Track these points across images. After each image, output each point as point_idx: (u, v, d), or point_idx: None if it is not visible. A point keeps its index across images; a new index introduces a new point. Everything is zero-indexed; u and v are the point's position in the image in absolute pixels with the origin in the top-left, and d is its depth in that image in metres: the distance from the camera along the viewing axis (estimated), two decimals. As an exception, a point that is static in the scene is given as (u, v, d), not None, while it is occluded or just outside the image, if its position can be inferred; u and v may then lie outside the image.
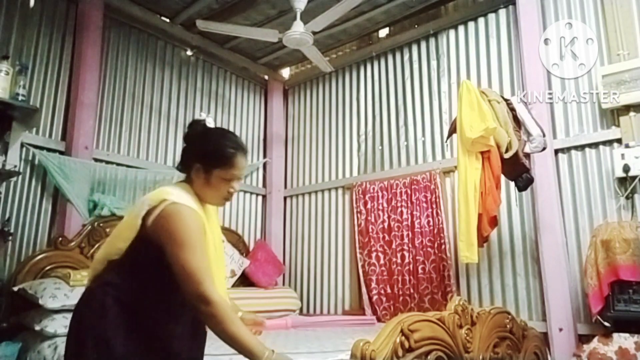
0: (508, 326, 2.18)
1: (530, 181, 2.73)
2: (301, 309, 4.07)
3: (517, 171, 2.68)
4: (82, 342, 1.31)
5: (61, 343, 2.30)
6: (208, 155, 1.51)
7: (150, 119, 3.80)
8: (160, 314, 1.38)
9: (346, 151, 4.26)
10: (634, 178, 2.68)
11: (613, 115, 2.88)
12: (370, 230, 3.76)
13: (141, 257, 1.36)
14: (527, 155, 2.77)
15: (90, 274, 1.47)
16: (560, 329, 2.78)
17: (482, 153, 2.64)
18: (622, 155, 2.72)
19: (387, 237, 3.67)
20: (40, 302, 2.44)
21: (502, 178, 2.80)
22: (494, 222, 2.69)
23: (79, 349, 1.31)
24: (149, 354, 1.33)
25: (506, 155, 2.61)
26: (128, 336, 1.30)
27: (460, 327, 1.94)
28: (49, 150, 3.09)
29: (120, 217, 3.21)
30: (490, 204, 2.60)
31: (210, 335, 1.43)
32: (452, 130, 2.92)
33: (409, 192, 3.62)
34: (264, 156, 4.68)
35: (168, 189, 1.47)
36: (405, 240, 3.54)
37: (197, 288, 1.26)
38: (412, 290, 3.46)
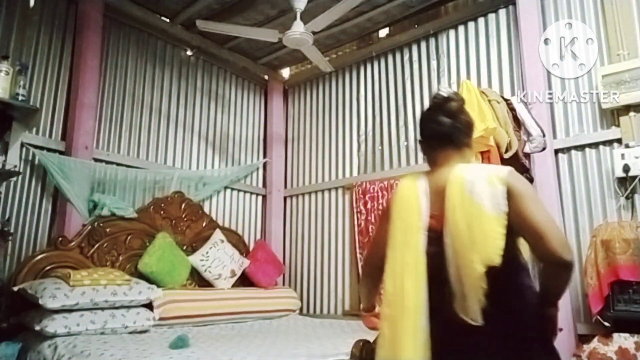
0: (508, 326, 2.18)
1: (529, 181, 2.73)
2: (301, 309, 4.07)
3: (517, 171, 2.68)
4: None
5: (61, 343, 2.30)
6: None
7: (150, 119, 3.80)
8: None
9: (346, 151, 4.26)
10: (634, 178, 2.68)
11: (613, 115, 2.88)
12: (370, 230, 3.76)
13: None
14: (527, 155, 2.77)
15: (472, 301, 1.23)
16: (560, 329, 2.76)
17: (481, 153, 2.63)
18: (622, 155, 2.71)
19: (387, 237, 3.66)
20: (40, 302, 2.43)
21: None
22: None
23: None
24: None
25: (506, 156, 2.61)
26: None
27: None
28: (49, 150, 3.09)
29: (120, 217, 3.27)
30: None
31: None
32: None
33: (409, 192, 3.62)
34: (264, 156, 4.68)
35: (484, 166, 1.50)
36: (405, 240, 3.53)
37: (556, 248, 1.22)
38: (412, 290, 3.46)
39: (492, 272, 1.22)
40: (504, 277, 1.25)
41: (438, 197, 1.35)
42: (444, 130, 1.42)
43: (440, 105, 1.46)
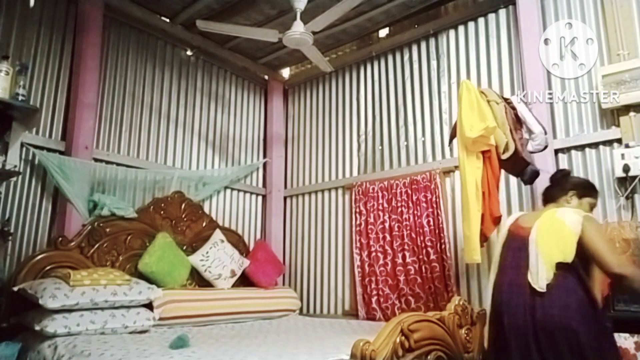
0: (508, 326, 2.18)
1: (536, 174, 2.68)
2: (301, 309, 4.07)
3: (519, 167, 2.67)
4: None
5: (61, 343, 2.30)
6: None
7: (150, 119, 3.80)
8: None
9: (346, 151, 4.26)
10: (634, 178, 2.68)
11: (613, 115, 2.88)
12: (369, 230, 3.76)
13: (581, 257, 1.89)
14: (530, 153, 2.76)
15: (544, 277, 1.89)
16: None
17: (482, 153, 2.62)
18: (622, 155, 2.71)
19: (387, 238, 3.67)
20: (40, 302, 2.43)
21: (503, 178, 2.79)
22: (498, 221, 2.64)
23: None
24: None
25: (504, 157, 2.59)
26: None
27: (460, 327, 1.94)
28: (49, 150, 3.09)
29: (120, 217, 3.27)
30: (494, 204, 2.57)
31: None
32: (454, 133, 2.90)
33: (409, 192, 3.62)
34: (264, 156, 4.69)
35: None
36: (406, 240, 3.54)
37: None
38: (412, 291, 3.46)
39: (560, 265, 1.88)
40: (563, 272, 1.88)
41: (532, 218, 2.09)
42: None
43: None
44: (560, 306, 1.84)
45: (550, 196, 2.21)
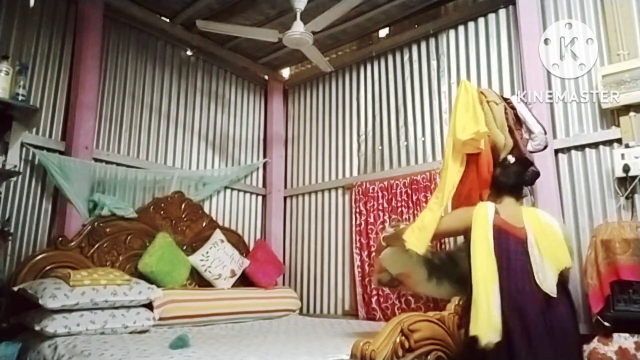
0: (508, 326, 2.18)
1: (536, 174, 2.67)
2: (301, 309, 4.07)
3: (520, 168, 2.64)
4: None
5: (61, 343, 2.30)
6: None
7: (150, 119, 3.80)
8: None
9: (346, 151, 4.26)
10: (634, 178, 2.68)
11: (613, 115, 2.88)
12: (369, 230, 3.76)
13: None
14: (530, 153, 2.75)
15: (553, 281, 1.94)
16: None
17: (470, 155, 2.55)
18: (622, 155, 2.71)
19: (387, 237, 3.66)
20: (40, 302, 2.43)
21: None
22: None
23: None
24: None
25: (502, 156, 2.56)
26: None
27: (460, 327, 1.94)
28: (49, 150, 3.09)
29: (120, 217, 3.27)
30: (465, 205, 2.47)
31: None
32: (450, 131, 2.88)
33: (409, 192, 3.62)
34: (264, 156, 4.69)
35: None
36: (406, 240, 3.53)
37: None
38: (412, 290, 3.46)
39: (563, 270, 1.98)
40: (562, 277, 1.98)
41: (515, 214, 2.12)
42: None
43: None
44: (569, 312, 1.95)
45: (515, 189, 2.31)
